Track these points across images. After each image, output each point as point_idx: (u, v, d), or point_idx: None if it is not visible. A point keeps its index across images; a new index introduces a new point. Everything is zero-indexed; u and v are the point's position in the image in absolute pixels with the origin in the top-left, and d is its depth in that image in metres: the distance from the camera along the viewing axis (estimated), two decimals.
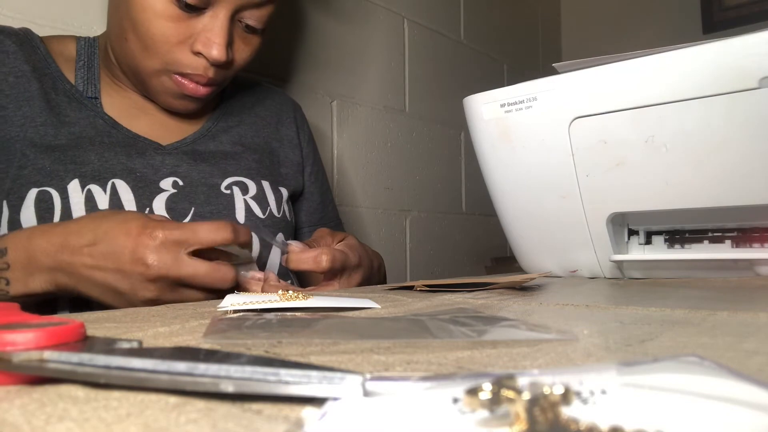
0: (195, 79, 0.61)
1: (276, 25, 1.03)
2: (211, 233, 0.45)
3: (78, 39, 0.67)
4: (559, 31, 1.97)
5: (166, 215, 0.60)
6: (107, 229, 0.44)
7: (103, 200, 0.56)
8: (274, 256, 0.67)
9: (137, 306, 0.42)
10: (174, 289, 0.45)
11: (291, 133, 0.79)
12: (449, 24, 1.42)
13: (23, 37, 0.62)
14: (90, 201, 0.56)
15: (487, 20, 1.57)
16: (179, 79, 0.61)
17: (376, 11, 1.21)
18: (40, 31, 0.67)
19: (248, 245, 0.50)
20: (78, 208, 0.55)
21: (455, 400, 0.14)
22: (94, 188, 0.57)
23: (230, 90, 0.75)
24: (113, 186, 0.57)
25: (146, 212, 0.59)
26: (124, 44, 0.60)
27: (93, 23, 0.78)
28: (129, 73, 0.64)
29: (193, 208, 0.62)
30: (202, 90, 0.62)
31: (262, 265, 0.66)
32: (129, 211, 0.47)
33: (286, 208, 0.72)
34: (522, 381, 0.13)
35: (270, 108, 0.79)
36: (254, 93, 0.79)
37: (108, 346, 0.20)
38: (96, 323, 0.31)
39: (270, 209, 0.68)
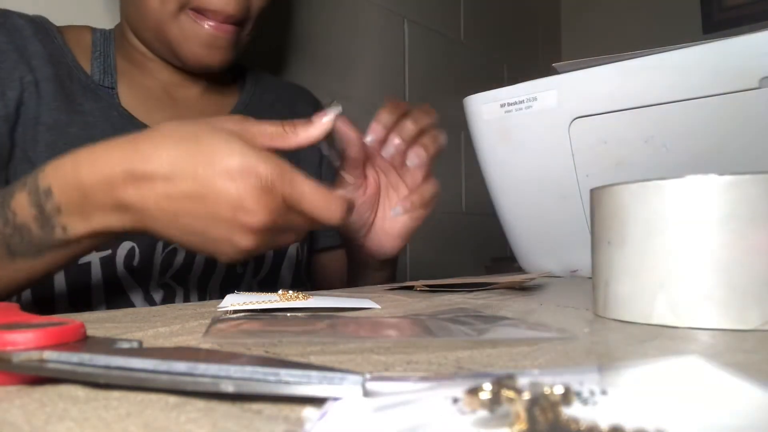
0: (214, 16, 0.58)
1: (275, 26, 1.03)
2: (320, 211, 0.38)
3: (93, 30, 0.66)
4: (559, 31, 1.97)
5: None
6: (189, 161, 0.34)
7: None
8: (287, 266, 0.66)
9: (226, 255, 0.37)
10: (277, 235, 0.38)
11: None
12: (449, 24, 1.42)
13: (39, 25, 0.61)
14: None
15: (487, 20, 1.57)
16: (198, 16, 0.58)
17: (376, 11, 1.21)
18: None
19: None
20: None
21: (455, 400, 0.14)
22: None
23: (251, 84, 0.74)
24: None
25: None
26: (140, 3, 0.59)
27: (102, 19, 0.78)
28: (150, 38, 0.62)
29: None
30: (224, 30, 0.59)
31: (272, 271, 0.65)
32: (214, 134, 0.35)
33: None
34: (522, 381, 0.13)
35: (289, 105, 0.78)
36: (274, 90, 0.78)
37: (108, 346, 0.20)
38: (96, 323, 0.31)
39: None
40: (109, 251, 0.54)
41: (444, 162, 1.37)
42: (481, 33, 1.53)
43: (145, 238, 0.56)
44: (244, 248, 0.36)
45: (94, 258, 0.54)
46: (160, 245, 0.57)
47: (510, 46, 1.66)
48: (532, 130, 0.59)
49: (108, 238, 0.40)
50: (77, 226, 0.37)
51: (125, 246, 0.55)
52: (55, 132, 0.56)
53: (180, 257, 0.59)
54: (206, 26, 0.58)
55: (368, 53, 1.19)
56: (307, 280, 0.70)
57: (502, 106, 0.60)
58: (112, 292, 0.55)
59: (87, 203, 0.36)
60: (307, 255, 0.72)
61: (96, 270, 0.54)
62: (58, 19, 0.66)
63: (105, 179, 0.35)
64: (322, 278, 0.77)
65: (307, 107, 0.79)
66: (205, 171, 0.34)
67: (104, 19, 0.78)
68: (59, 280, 0.53)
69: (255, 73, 0.77)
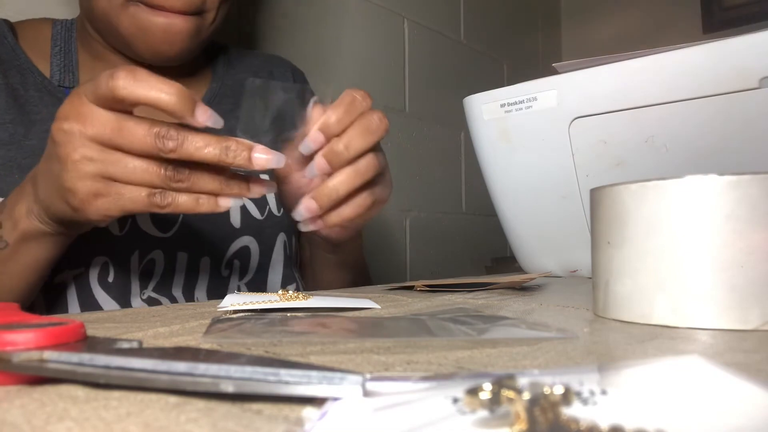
0: (162, 9, 0.53)
1: (275, 26, 1.03)
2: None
3: (54, 22, 0.61)
4: (559, 31, 1.97)
5: (151, 223, 0.56)
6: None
7: None
8: (276, 263, 0.65)
9: (68, 177, 0.37)
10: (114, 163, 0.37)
11: None
12: (449, 24, 1.42)
13: None
14: None
15: (487, 20, 1.57)
16: (148, 9, 0.53)
17: (376, 11, 1.21)
18: None
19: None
20: None
21: (455, 400, 0.14)
22: None
23: (222, 67, 0.69)
24: None
25: (129, 223, 0.55)
26: None
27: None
28: (103, 30, 0.57)
29: (181, 216, 0.58)
30: (180, 20, 0.54)
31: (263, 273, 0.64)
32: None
33: None
34: (522, 381, 0.13)
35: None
36: (248, 68, 0.72)
37: (108, 346, 0.20)
38: (96, 323, 0.31)
39: (269, 208, 0.65)
40: (82, 268, 0.53)
41: (444, 162, 1.37)
42: (481, 33, 1.53)
43: (118, 252, 0.54)
44: (74, 162, 0.37)
45: (68, 277, 0.52)
46: (135, 258, 0.55)
47: (510, 46, 1.66)
48: (532, 130, 0.59)
49: (40, 238, 0.44)
50: (10, 234, 0.43)
51: (98, 261, 0.53)
52: (12, 147, 0.53)
53: (159, 269, 0.56)
54: (159, 17, 0.54)
55: (368, 53, 1.19)
56: (296, 277, 0.67)
57: (502, 106, 0.60)
58: (90, 311, 0.52)
59: (12, 207, 0.43)
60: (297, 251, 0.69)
61: (71, 289, 0.53)
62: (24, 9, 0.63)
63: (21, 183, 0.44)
64: (302, 264, 0.73)
65: (284, 79, 0.74)
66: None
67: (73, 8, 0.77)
68: (38, 301, 0.52)
69: (227, 53, 0.71)
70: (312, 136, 0.44)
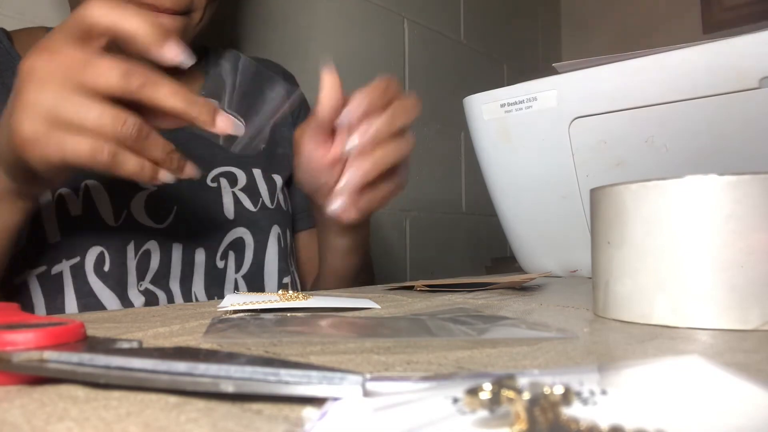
0: (150, 8, 0.54)
1: (274, 25, 1.03)
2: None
3: (48, 30, 0.62)
4: (559, 31, 1.97)
5: (145, 214, 0.57)
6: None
7: (75, 205, 0.54)
8: (270, 255, 0.65)
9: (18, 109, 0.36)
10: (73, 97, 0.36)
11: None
12: (449, 24, 1.42)
13: None
14: (61, 206, 0.53)
15: (487, 20, 1.57)
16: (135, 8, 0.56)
17: (376, 11, 1.21)
18: None
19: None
20: (48, 215, 0.52)
21: (455, 400, 0.14)
22: (65, 191, 0.53)
23: (214, 68, 0.71)
24: (86, 188, 0.54)
25: (124, 214, 0.56)
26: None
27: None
28: None
29: (175, 207, 0.59)
30: (166, 20, 0.55)
31: (258, 265, 0.64)
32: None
33: (281, 198, 0.67)
34: (522, 381, 0.13)
35: (257, 82, 0.73)
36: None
37: (108, 346, 0.20)
38: (96, 323, 0.31)
39: (262, 200, 0.65)
40: (78, 258, 0.53)
41: (444, 162, 1.37)
42: (481, 33, 1.53)
43: (114, 241, 0.54)
44: (27, 101, 0.36)
45: (65, 267, 0.53)
46: (131, 248, 0.55)
47: (510, 46, 1.66)
48: (532, 130, 0.59)
49: (15, 196, 0.43)
50: None
51: (93, 251, 0.54)
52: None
53: (155, 261, 0.57)
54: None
55: (368, 53, 1.19)
56: (291, 271, 0.67)
57: (502, 106, 0.60)
58: (87, 302, 0.53)
59: None
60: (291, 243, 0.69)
61: (68, 279, 0.53)
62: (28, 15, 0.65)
63: None
64: (299, 262, 0.74)
65: (274, 82, 0.74)
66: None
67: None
68: (36, 291, 0.52)
69: (217, 55, 0.73)
70: (352, 109, 0.45)
